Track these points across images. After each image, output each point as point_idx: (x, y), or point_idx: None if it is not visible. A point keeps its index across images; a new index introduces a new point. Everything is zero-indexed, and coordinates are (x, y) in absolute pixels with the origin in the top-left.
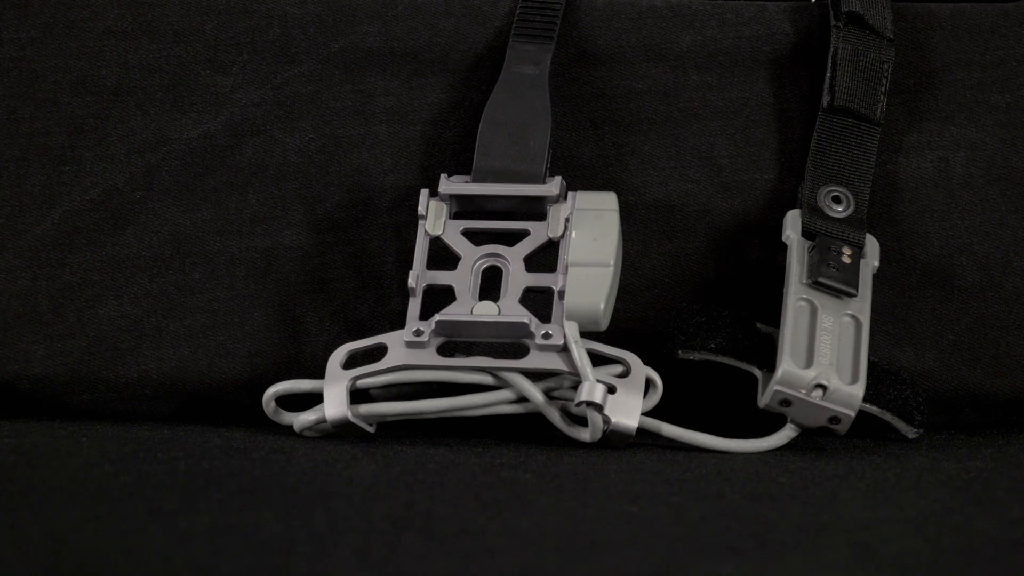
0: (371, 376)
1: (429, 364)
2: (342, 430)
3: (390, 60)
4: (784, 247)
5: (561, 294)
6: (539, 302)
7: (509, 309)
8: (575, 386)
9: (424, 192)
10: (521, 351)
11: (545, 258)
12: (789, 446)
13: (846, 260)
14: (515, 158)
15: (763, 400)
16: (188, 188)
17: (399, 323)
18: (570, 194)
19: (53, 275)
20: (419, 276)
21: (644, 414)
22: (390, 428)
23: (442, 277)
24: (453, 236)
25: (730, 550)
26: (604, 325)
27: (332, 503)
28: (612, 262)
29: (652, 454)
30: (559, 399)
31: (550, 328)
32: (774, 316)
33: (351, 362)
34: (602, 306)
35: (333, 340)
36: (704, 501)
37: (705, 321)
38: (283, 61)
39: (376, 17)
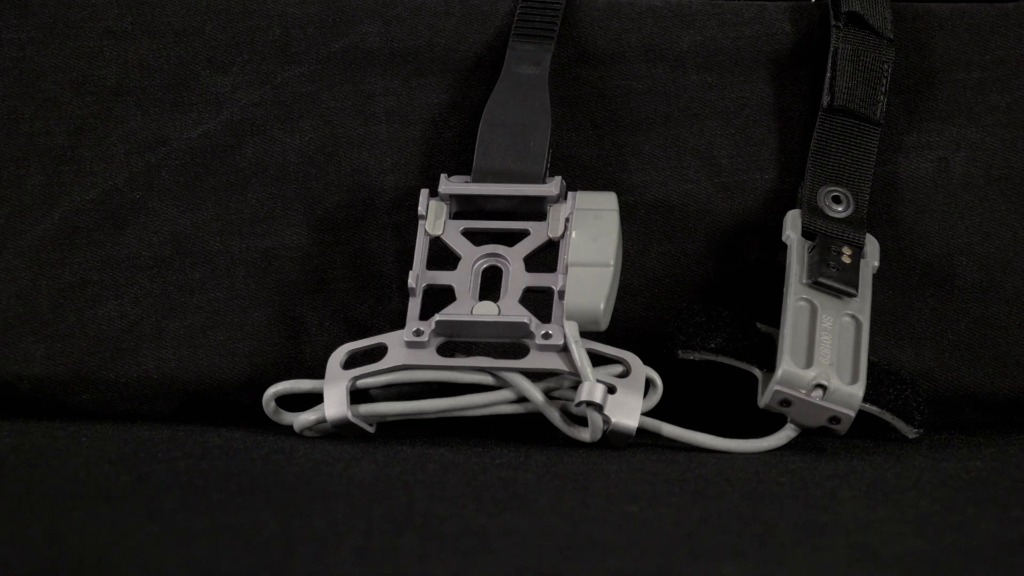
0: (371, 376)
1: (429, 364)
2: (342, 430)
3: (390, 60)
4: (784, 247)
5: (561, 294)
6: (539, 302)
7: (509, 309)
8: (575, 386)
9: (424, 192)
10: (521, 351)
11: (545, 258)
12: (789, 446)
13: (846, 260)
14: (515, 158)
15: (763, 400)
16: (188, 188)
17: (399, 323)
18: (570, 194)
19: (53, 275)
20: (419, 276)
21: (644, 414)
22: (390, 428)
23: (442, 277)
24: (453, 236)
25: (730, 550)
26: (604, 325)
27: (332, 503)
28: (612, 262)
29: (652, 454)
30: (559, 399)
31: (550, 328)
32: (774, 316)
33: (351, 362)
34: (602, 306)
35: (333, 340)
36: (704, 501)
37: (705, 321)
38: (283, 61)
39: (376, 17)
